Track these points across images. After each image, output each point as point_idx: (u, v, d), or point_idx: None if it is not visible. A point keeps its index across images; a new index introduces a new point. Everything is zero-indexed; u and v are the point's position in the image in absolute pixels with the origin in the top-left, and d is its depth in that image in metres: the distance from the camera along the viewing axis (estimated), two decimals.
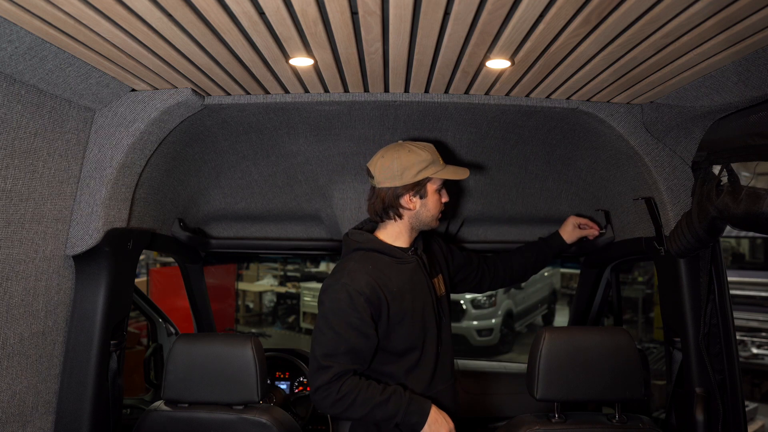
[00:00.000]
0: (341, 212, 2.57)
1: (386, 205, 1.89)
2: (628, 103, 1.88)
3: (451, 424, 1.82)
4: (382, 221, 1.95)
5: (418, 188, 1.88)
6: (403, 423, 1.77)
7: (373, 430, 1.87)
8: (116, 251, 1.88)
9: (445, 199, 1.97)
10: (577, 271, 2.87)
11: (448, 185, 1.99)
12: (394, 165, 1.86)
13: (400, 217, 1.91)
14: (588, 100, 1.87)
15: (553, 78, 1.67)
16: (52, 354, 1.78)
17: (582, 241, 2.43)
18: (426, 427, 1.77)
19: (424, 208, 1.91)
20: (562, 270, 10.02)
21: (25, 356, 1.65)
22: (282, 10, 1.23)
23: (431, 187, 1.91)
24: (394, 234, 1.94)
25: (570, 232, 2.41)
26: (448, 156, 2.32)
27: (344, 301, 1.78)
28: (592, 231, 2.37)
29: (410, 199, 1.89)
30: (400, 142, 1.93)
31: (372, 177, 1.92)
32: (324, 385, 1.74)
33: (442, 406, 1.85)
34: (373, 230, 1.99)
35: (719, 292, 1.86)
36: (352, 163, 2.40)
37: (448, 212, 2.43)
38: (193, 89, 1.81)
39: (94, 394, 1.83)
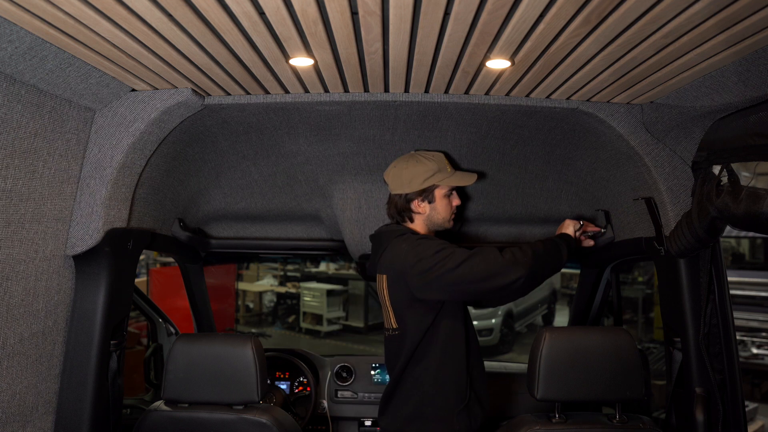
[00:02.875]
0: (341, 212, 2.57)
1: (399, 209, 2.12)
2: (628, 103, 1.88)
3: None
4: (399, 224, 2.14)
5: (425, 194, 2.09)
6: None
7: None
8: (116, 251, 1.88)
9: (456, 202, 2.16)
10: (577, 271, 2.87)
11: (459, 189, 2.17)
12: (403, 174, 2.08)
13: (412, 220, 2.12)
14: (588, 100, 1.87)
15: (553, 78, 1.67)
16: (52, 354, 1.78)
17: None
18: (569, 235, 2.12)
19: (434, 211, 2.11)
20: (563, 270, 10.02)
21: (25, 356, 1.65)
22: (282, 10, 1.23)
23: (439, 193, 2.10)
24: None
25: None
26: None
27: (434, 238, 2.02)
28: (591, 236, 2.31)
29: (419, 204, 2.10)
30: (411, 152, 2.15)
31: (387, 184, 2.16)
32: (504, 259, 1.87)
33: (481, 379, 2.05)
34: None
35: (719, 292, 1.86)
36: (352, 163, 2.40)
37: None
38: (193, 89, 1.81)
39: (94, 394, 1.83)
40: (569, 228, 2.18)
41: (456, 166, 2.33)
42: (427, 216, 2.11)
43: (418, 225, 2.12)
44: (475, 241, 2.74)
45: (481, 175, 2.42)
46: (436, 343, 1.95)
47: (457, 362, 1.97)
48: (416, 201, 2.08)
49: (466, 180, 2.14)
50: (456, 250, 1.91)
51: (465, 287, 1.88)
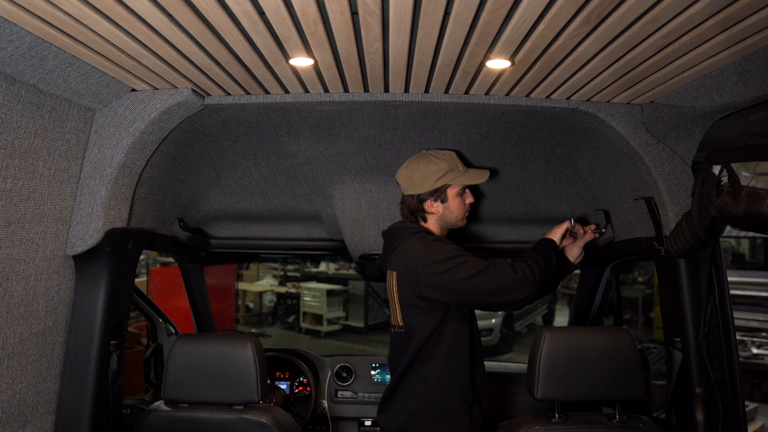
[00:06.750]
0: (341, 212, 2.57)
1: (412, 210, 2.12)
2: (628, 103, 1.88)
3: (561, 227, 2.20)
4: (412, 224, 2.13)
5: (438, 194, 2.08)
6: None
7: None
8: (116, 251, 1.88)
9: (469, 200, 2.16)
10: (577, 271, 2.87)
11: (472, 186, 2.17)
12: (415, 175, 2.07)
13: (425, 220, 2.12)
14: (588, 100, 1.87)
15: (553, 78, 1.67)
16: (52, 354, 1.78)
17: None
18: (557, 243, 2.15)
19: (447, 210, 2.11)
20: None
21: (25, 356, 1.65)
22: (282, 10, 1.23)
23: (452, 192, 2.10)
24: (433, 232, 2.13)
25: (571, 249, 2.30)
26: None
27: (448, 242, 2.00)
28: (587, 236, 2.30)
29: (432, 204, 2.09)
30: (423, 152, 2.13)
31: (399, 185, 2.14)
32: (516, 276, 1.87)
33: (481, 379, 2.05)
34: None
35: (719, 292, 1.86)
36: (352, 163, 2.40)
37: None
38: (193, 89, 1.81)
39: (94, 394, 1.83)
40: (556, 233, 2.18)
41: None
42: (440, 216, 2.10)
43: (432, 224, 2.12)
44: (475, 241, 2.74)
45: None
46: (442, 343, 1.96)
47: (461, 363, 1.97)
48: (429, 201, 2.08)
49: (479, 178, 2.12)
50: (469, 258, 1.90)
51: (474, 298, 1.90)
